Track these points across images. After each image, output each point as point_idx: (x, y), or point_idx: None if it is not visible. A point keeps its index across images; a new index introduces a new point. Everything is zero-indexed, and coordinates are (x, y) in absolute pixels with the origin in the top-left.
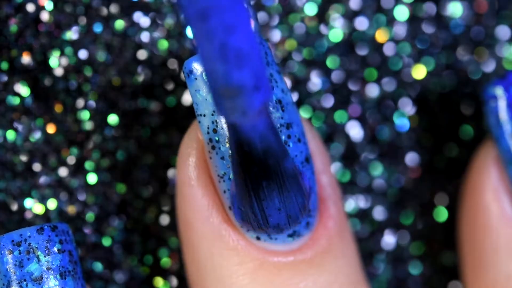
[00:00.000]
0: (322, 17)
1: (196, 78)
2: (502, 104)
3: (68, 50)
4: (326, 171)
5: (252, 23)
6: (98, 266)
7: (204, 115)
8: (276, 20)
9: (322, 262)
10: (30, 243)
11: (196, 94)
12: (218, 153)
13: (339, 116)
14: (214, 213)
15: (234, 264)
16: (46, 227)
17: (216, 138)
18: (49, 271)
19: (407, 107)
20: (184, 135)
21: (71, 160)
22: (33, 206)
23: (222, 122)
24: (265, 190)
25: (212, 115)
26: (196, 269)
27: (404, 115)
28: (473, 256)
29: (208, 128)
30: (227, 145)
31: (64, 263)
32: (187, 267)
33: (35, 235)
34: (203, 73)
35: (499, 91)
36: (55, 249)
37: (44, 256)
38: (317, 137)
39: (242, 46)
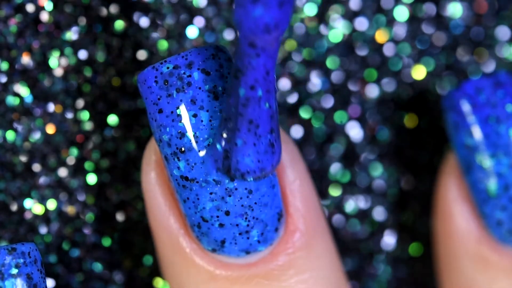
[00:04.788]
0: (322, 17)
1: (149, 87)
2: (458, 114)
3: (68, 50)
4: (297, 183)
5: None
6: (98, 266)
7: (160, 126)
8: None
9: (281, 277)
10: None
11: (150, 103)
12: (171, 164)
13: (339, 116)
14: (172, 221)
15: (191, 273)
16: (2, 250)
17: (169, 151)
18: None
19: (407, 107)
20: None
21: (71, 160)
22: (32, 206)
23: (165, 136)
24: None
25: (160, 128)
26: (164, 273)
27: (404, 115)
28: (441, 260)
29: (160, 139)
30: (179, 159)
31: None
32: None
33: None
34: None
35: (456, 101)
36: (11, 273)
37: None
38: (291, 146)
39: None
